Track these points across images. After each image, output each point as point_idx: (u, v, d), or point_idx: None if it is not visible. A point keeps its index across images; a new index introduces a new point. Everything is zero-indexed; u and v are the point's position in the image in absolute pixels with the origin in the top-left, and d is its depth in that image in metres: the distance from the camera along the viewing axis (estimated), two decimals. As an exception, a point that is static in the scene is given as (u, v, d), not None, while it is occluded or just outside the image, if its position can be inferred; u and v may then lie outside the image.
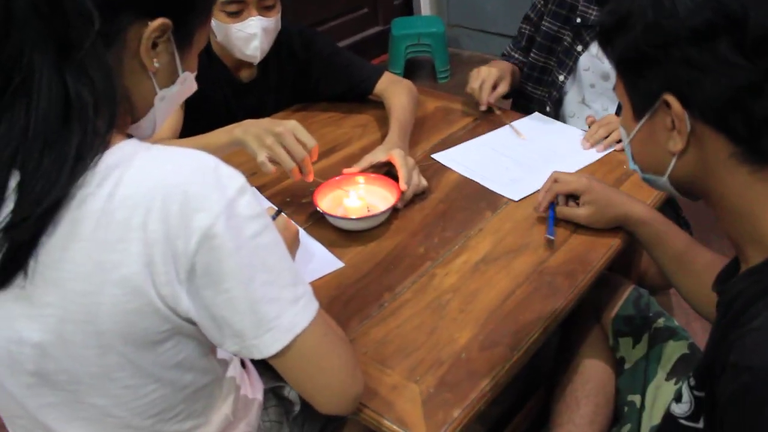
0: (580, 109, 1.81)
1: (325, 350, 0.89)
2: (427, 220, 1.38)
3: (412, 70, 3.94)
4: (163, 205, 0.77)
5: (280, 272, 0.85)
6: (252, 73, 1.76)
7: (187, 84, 0.95)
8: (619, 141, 1.56)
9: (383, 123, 1.71)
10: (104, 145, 0.80)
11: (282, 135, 1.28)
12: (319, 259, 1.29)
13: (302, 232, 1.36)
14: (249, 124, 1.34)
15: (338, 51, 1.82)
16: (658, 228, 1.25)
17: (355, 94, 1.82)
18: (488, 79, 1.73)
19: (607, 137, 1.60)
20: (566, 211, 1.34)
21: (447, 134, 1.70)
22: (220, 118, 1.65)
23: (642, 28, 0.82)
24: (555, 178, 1.37)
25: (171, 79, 0.91)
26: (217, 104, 1.75)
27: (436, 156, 1.60)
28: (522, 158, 1.59)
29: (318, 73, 1.81)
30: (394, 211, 1.39)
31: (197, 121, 1.65)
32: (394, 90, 1.73)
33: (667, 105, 0.81)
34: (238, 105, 1.77)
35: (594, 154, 1.59)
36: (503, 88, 1.77)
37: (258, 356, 0.85)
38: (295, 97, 1.87)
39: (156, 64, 0.86)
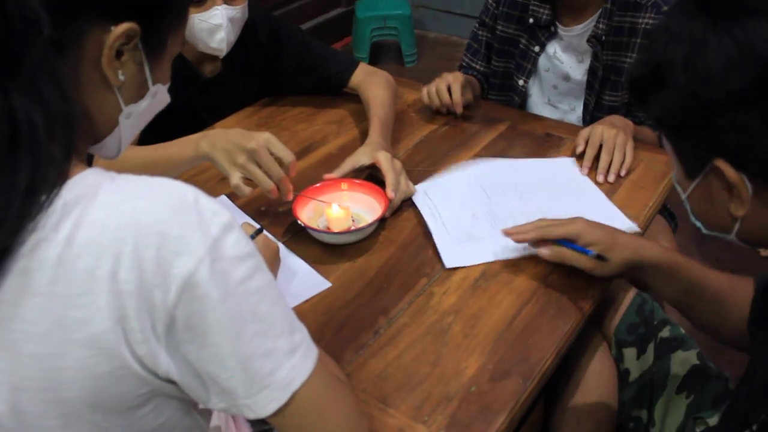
0: (547, 110, 1.72)
1: (327, 403, 0.78)
2: (418, 230, 1.28)
3: (377, 54, 3.82)
4: (136, 249, 0.65)
5: (274, 320, 0.73)
6: (216, 68, 1.62)
7: (158, 98, 0.82)
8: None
9: (360, 117, 1.60)
10: (61, 177, 0.67)
11: (255, 152, 1.16)
12: (303, 279, 1.18)
13: (282, 248, 1.24)
14: (216, 136, 1.20)
15: (309, 41, 1.69)
16: (672, 267, 1.07)
17: (329, 88, 1.70)
18: (455, 81, 1.61)
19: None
20: (567, 254, 1.11)
21: (429, 130, 1.59)
22: (182, 119, 1.52)
23: (676, 94, 0.72)
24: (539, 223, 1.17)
25: (139, 93, 0.78)
26: (179, 103, 1.60)
27: (416, 200, 1.35)
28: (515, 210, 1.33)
29: (288, 66, 1.68)
30: (382, 221, 1.28)
31: (157, 122, 1.50)
32: (372, 82, 1.61)
33: (720, 169, 0.72)
34: (201, 103, 1.63)
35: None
36: (469, 95, 1.65)
37: (251, 416, 0.74)
38: (263, 91, 1.73)
39: (121, 77, 0.74)
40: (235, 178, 1.16)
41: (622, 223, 1.27)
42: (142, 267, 0.65)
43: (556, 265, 1.15)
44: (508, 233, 1.17)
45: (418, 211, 1.32)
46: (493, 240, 1.22)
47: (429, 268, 1.18)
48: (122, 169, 1.36)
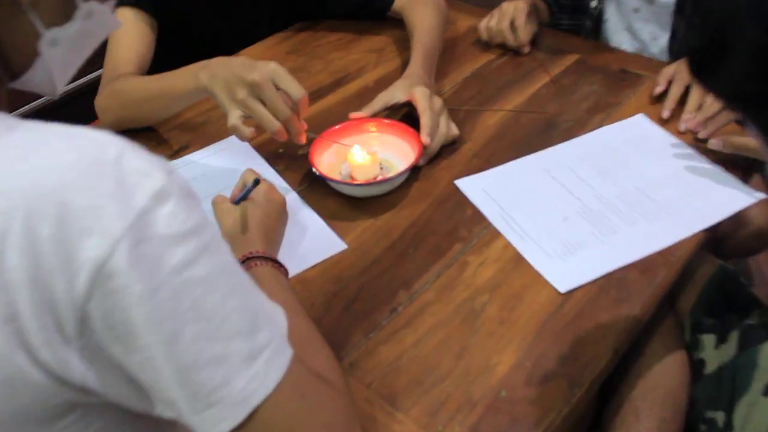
0: (625, 39, 1.43)
1: (303, 420, 0.61)
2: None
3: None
4: (27, 225, 0.49)
5: (226, 317, 0.56)
6: (241, -14, 1.41)
7: (97, 20, 0.63)
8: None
9: (405, 46, 1.37)
10: None
11: (258, 86, 0.95)
12: (315, 238, 0.99)
13: (294, 199, 1.06)
14: (218, 66, 1.01)
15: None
16: None
17: (370, 12, 1.47)
18: (519, 15, 1.35)
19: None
20: (737, 141, 1.01)
21: (483, 62, 1.36)
22: (203, 44, 1.33)
23: (747, 53, 0.53)
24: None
25: (63, 12, 0.60)
26: (200, 30, 1.42)
27: (460, 183, 1.07)
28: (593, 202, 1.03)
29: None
30: (415, 170, 1.08)
31: (173, 49, 1.32)
32: (418, 5, 1.37)
33: None
34: (224, 25, 1.43)
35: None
36: (534, 26, 1.39)
37: None
38: (296, 14, 1.52)
39: None
40: (234, 116, 0.97)
41: (740, 191, 1.02)
42: (36, 249, 0.48)
43: (622, 235, 0.94)
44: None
45: (459, 158, 1.11)
46: (599, 242, 0.95)
47: (465, 230, 0.98)
48: (122, 102, 1.20)
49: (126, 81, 1.19)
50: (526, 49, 1.35)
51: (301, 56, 1.41)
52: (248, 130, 0.98)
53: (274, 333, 0.60)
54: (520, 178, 1.07)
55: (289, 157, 1.14)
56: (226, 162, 1.16)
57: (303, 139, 1.03)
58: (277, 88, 0.97)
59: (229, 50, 1.42)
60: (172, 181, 0.53)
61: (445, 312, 0.86)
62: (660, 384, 1.06)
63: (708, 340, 1.08)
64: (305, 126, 1.03)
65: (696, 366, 1.08)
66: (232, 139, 1.21)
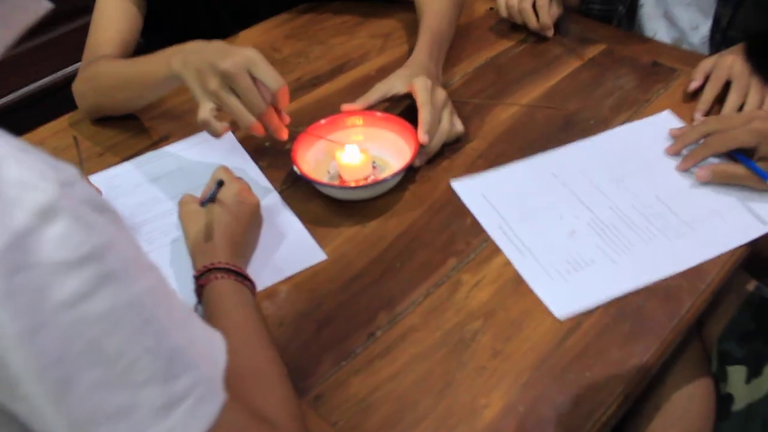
0: (662, 27, 1.28)
1: None
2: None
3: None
4: None
5: (135, 360, 0.46)
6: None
7: (8, 4, 0.53)
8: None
9: (413, 31, 1.24)
10: None
11: (231, 75, 0.84)
12: (292, 246, 0.88)
13: (275, 200, 0.95)
14: (191, 50, 0.89)
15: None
16: None
17: (379, -8, 1.35)
18: None
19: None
20: (739, 172, 0.89)
21: (499, 50, 1.23)
22: (203, 29, 1.21)
23: None
24: (707, 130, 0.94)
25: None
26: (197, 9, 1.31)
27: (456, 185, 0.95)
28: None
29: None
30: (412, 171, 0.96)
31: (169, 31, 1.22)
32: None
33: None
34: (224, 6, 1.32)
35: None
36: (558, 8, 1.25)
37: None
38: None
39: None
40: (205, 109, 0.86)
41: None
42: None
43: (642, 255, 0.81)
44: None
45: (462, 159, 0.99)
46: (609, 260, 0.82)
47: (463, 243, 0.86)
48: (97, 87, 1.09)
49: (102, 65, 1.09)
50: (549, 33, 1.22)
51: (301, 40, 1.30)
52: (220, 125, 0.87)
53: (200, 377, 0.49)
54: (525, 182, 0.94)
55: (276, 152, 1.03)
56: (206, 155, 1.05)
57: (284, 135, 0.91)
58: (254, 78, 0.86)
59: (229, 33, 1.32)
60: (66, 194, 0.43)
61: (429, 340, 0.75)
62: (681, 420, 0.93)
63: (737, 372, 0.95)
64: (287, 120, 0.91)
65: (723, 401, 0.95)
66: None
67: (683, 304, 0.76)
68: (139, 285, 0.47)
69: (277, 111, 0.89)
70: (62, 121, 1.17)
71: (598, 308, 0.76)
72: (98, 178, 1.03)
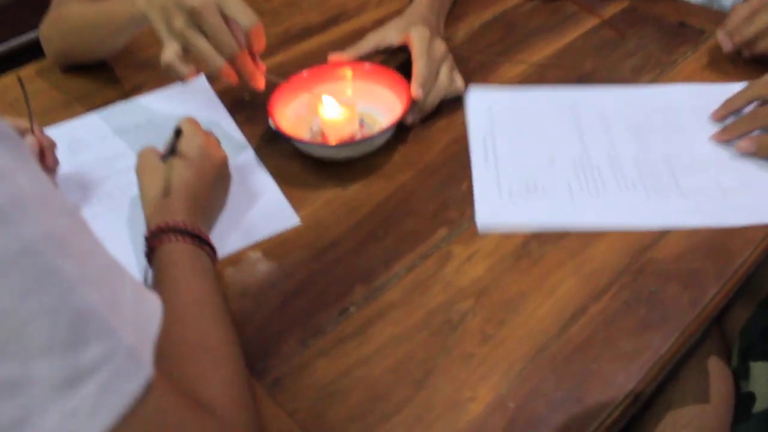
0: None
1: None
2: (457, 147, 0.84)
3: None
4: None
5: (25, 323, 0.37)
6: None
7: None
8: None
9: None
10: None
11: (198, 13, 0.73)
12: (264, 209, 0.78)
13: (250, 158, 0.84)
14: None
15: None
16: None
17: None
18: None
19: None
20: None
21: (510, 5, 1.11)
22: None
23: None
24: (753, 95, 0.83)
25: None
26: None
27: (473, 91, 0.90)
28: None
29: None
30: (404, 131, 0.85)
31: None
32: None
33: None
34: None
35: None
36: None
37: None
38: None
39: None
40: (169, 51, 0.75)
41: None
42: None
43: (663, 231, 0.70)
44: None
45: (465, 120, 0.88)
46: (568, 193, 0.76)
47: (456, 211, 0.75)
48: (63, 31, 0.98)
49: (69, 5, 0.98)
50: None
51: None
52: (186, 68, 0.76)
53: (118, 346, 0.39)
54: (539, 106, 0.89)
55: (255, 106, 0.93)
56: (179, 108, 0.95)
57: (261, 84, 0.81)
58: (226, 18, 0.75)
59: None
60: None
61: (411, 320, 0.64)
62: (694, 420, 0.83)
63: (761, 369, 0.84)
64: (263, 68, 0.81)
65: (743, 401, 0.84)
66: (196, 82, 1.00)
67: (707, 289, 0.66)
68: (37, 228, 0.37)
69: (252, 56, 0.79)
70: (29, 69, 1.07)
71: (611, 287, 0.66)
72: (60, 130, 0.93)
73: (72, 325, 0.38)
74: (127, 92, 1.00)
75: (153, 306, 0.46)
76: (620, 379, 0.58)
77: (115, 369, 0.39)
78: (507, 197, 0.76)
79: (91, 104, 0.97)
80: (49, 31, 1.01)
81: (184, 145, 0.74)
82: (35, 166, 0.41)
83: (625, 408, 0.57)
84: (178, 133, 0.72)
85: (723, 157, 0.80)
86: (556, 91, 0.91)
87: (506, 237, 0.71)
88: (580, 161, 0.80)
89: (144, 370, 0.41)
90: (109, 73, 1.04)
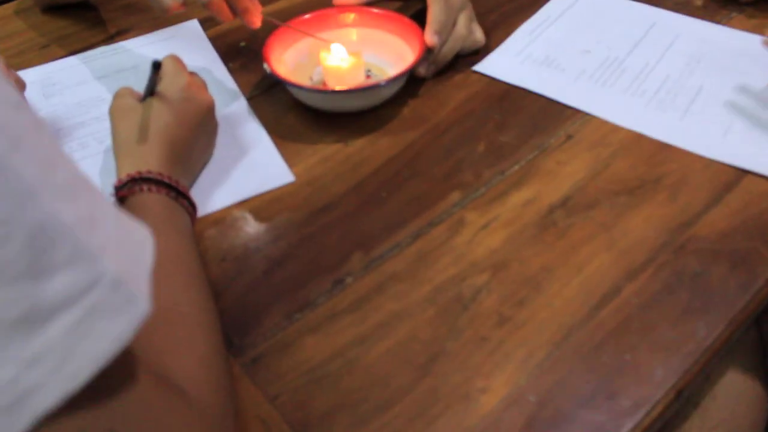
0: None
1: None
2: (474, 105, 0.74)
3: None
4: None
5: None
6: None
7: None
8: None
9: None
10: None
11: None
12: (254, 164, 0.69)
13: (242, 107, 0.75)
14: None
15: None
16: None
17: None
18: None
19: None
20: None
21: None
22: None
23: None
24: None
25: None
26: None
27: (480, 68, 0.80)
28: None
29: None
30: (415, 84, 0.76)
31: None
32: None
33: None
34: None
35: None
36: None
37: None
38: None
39: None
40: None
41: None
42: None
43: (707, 204, 0.61)
44: None
45: (481, 76, 0.78)
46: (575, 74, 0.78)
47: (471, 174, 0.66)
48: None
49: None
50: None
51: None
52: (170, 1, 0.67)
53: (102, 272, 0.31)
54: (618, 14, 0.87)
55: (252, 52, 0.83)
56: (167, 53, 0.85)
57: (257, 22, 0.71)
58: None
59: None
60: None
61: (415, 295, 0.55)
62: (723, 423, 0.75)
63: (802, 372, 0.76)
64: (258, 6, 0.71)
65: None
66: (187, 26, 0.90)
67: (759, 272, 0.57)
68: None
69: None
70: (7, 8, 0.98)
71: (649, 265, 0.56)
72: (33, 73, 0.84)
73: (30, 243, 0.29)
74: (112, 36, 0.91)
75: (141, 234, 0.37)
76: (659, 373, 0.49)
77: (93, 305, 0.30)
78: (522, 59, 0.80)
79: (72, 48, 0.89)
80: (28, -37, 0.92)
81: (164, 85, 0.65)
82: None
83: (665, 407, 0.48)
84: (156, 66, 0.62)
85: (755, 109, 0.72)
86: (642, 7, 0.88)
87: (530, 201, 0.62)
88: (611, 59, 0.79)
89: (137, 305, 0.32)
90: (93, 14, 0.95)
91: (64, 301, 0.30)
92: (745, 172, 0.65)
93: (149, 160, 0.59)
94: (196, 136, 0.65)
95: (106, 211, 0.34)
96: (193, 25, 0.90)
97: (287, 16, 0.77)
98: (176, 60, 0.68)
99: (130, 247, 0.34)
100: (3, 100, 0.30)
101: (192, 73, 0.69)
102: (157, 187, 0.57)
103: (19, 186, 0.28)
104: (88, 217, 0.32)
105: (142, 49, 0.87)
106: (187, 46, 0.87)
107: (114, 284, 0.31)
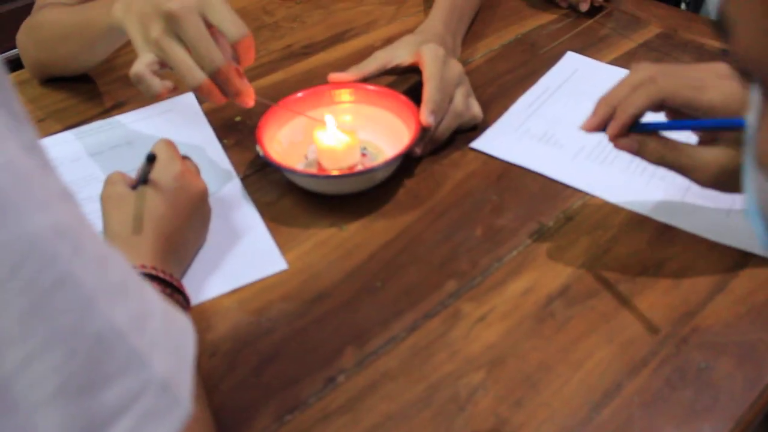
0: None
1: None
2: (471, 185, 0.73)
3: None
4: None
5: (34, 351, 0.27)
6: None
7: None
8: None
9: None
10: None
11: (177, 18, 0.63)
12: (247, 250, 0.68)
13: (236, 188, 0.74)
14: None
15: None
16: None
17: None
18: None
19: None
20: (676, 150, 0.58)
21: (533, 26, 1.01)
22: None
23: None
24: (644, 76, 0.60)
25: None
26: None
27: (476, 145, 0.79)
28: None
29: None
30: (410, 163, 0.75)
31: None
32: None
33: None
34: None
35: None
36: None
37: None
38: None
39: None
40: (140, 62, 0.66)
41: None
42: None
43: (723, 283, 0.59)
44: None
45: (479, 153, 0.77)
46: (573, 158, 0.76)
47: (468, 262, 0.64)
48: (37, 40, 0.84)
49: (48, 12, 0.89)
50: (584, 7, 1.00)
51: (299, 2, 1.09)
52: (159, 83, 0.66)
53: (151, 378, 0.30)
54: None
55: (247, 128, 0.83)
56: (161, 128, 0.85)
57: (250, 101, 0.71)
58: (209, 25, 0.65)
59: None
60: None
61: (410, 394, 0.54)
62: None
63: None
64: (251, 89, 0.71)
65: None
66: (182, 100, 0.90)
67: (767, 366, 0.55)
68: (40, 218, 0.27)
69: (239, 74, 0.69)
70: (6, 80, 0.97)
71: (647, 365, 0.55)
72: (29, 148, 0.83)
73: (90, 355, 0.28)
74: (109, 109, 0.90)
75: (183, 324, 0.36)
76: (665, 483, 0.47)
77: (144, 411, 0.30)
78: (519, 135, 0.79)
79: (68, 121, 0.88)
80: (25, 39, 0.92)
81: (158, 172, 0.64)
82: (33, 135, 0.31)
83: None
84: (151, 159, 0.62)
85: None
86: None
87: (527, 294, 0.61)
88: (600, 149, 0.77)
89: (181, 408, 0.31)
90: (91, 87, 0.95)
91: (117, 410, 0.29)
92: (750, 255, 0.64)
93: (143, 253, 0.58)
94: (190, 224, 0.64)
95: (153, 305, 0.33)
96: (189, 98, 0.90)
97: (282, 90, 0.77)
98: (169, 145, 0.67)
99: (175, 341, 0.34)
100: (57, 193, 0.30)
101: (185, 158, 0.68)
102: (151, 283, 0.55)
103: (81, 295, 0.28)
104: (138, 316, 0.31)
105: (138, 123, 0.87)
106: (183, 120, 0.86)
107: (162, 388, 0.31)
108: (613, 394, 0.53)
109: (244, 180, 0.75)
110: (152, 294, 0.34)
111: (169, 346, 0.32)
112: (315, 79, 0.88)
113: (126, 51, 0.93)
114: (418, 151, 0.74)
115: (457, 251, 0.65)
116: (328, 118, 0.72)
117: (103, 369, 0.28)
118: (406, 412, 0.52)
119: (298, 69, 0.94)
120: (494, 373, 0.55)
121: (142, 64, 0.65)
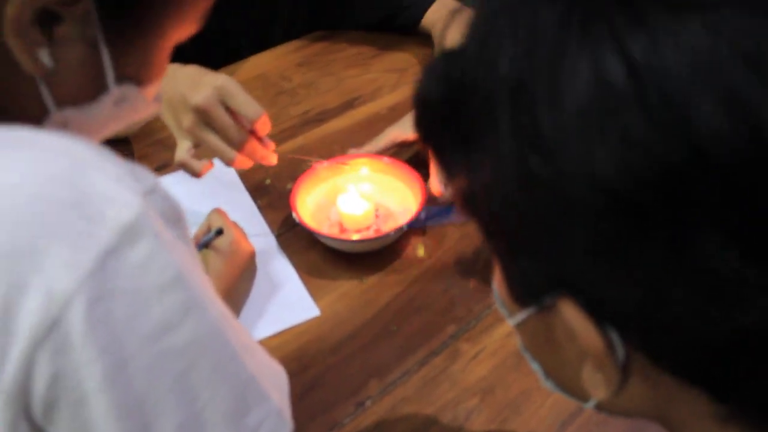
0: None
1: None
2: (466, 244, 0.90)
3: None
4: None
5: (213, 395, 0.43)
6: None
7: (133, 104, 0.50)
8: None
9: (430, 69, 1.20)
10: None
11: (204, 111, 0.80)
12: (284, 299, 0.84)
13: (271, 245, 0.90)
14: (166, 79, 0.85)
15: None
16: None
17: (397, 25, 1.31)
18: None
19: None
20: None
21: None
22: (210, 43, 1.18)
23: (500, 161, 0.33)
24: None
25: (87, 92, 0.47)
26: (208, 26, 1.27)
27: None
28: None
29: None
30: (415, 225, 0.92)
31: (178, 53, 1.17)
32: (453, 24, 1.20)
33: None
34: (236, 24, 1.28)
35: None
36: None
37: None
38: (316, 21, 1.37)
39: (48, 62, 0.43)
40: (181, 149, 0.83)
41: None
42: None
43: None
44: None
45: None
46: None
47: (463, 308, 0.81)
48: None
49: None
50: None
51: (313, 70, 1.26)
52: (199, 165, 0.84)
53: (270, 408, 0.47)
54: None
55: (277, 191, 0.99)
56: (201, 189, 1.01)
57: (273, 161, 0.87)
58: (229, 109, 0.82)
59: (239, 52, 1.28)
60: (149, 205, 0.40)
61: (423, 415, 0.70)
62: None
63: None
64: (271, 146, 0.87)
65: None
66: (217, 162, 1.06)
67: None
68: (214, 310, 0.44)
69: (259, 139, 0.85)
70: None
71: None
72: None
73: (242, 393, 0.45)
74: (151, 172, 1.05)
75: (278, 368, 0.53)
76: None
77: (270, 429, 0.46)
78: None
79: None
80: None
81: (217, 239, 0.79)
82: (190, 242, 0.47)
83: None
84: (219, 232, 0.77)
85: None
86: None
87: (511, 335, 0.77)
88: None
89: (288, 426, 0.49)
90: (130, 149, 1.09)
91: (255, 428, 0.45)
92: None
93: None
94: (243, 281, 0.80)
95: (263, 356, 0.50)
96: (216, 162, 1.06)
97: (305, 152, 0.92)
98: (223, 214, 0.83)
99: (279, 380, 0.51)
100: (210, 287, 0.46)
101: (234, 224, 0.84)
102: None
103: (235, 355, 0.44)
104: (259, 366, 0.48)
105: (175, 187, 1.00)
106: (219, 184, 1.01)
107: (278, 414, 0.48)
108: (575, 414, 0.69)
109: (278, 237, 0.91)
110: (260, 347, 0.50)
111: (276, 385, 0.49)
112: (331, 144, 1.05)
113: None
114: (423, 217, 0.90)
115: (455, 300, 0.82)
116: (351, 189, 0.88)
117: (248, 401, 0.45)
118: (419, 430, 0.69)
119: (314, 135, 1.10)
120: (485, 400, 0.71)
121: (183, 151, 0.82)
